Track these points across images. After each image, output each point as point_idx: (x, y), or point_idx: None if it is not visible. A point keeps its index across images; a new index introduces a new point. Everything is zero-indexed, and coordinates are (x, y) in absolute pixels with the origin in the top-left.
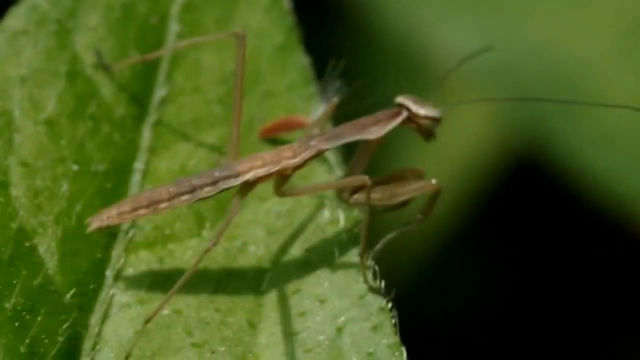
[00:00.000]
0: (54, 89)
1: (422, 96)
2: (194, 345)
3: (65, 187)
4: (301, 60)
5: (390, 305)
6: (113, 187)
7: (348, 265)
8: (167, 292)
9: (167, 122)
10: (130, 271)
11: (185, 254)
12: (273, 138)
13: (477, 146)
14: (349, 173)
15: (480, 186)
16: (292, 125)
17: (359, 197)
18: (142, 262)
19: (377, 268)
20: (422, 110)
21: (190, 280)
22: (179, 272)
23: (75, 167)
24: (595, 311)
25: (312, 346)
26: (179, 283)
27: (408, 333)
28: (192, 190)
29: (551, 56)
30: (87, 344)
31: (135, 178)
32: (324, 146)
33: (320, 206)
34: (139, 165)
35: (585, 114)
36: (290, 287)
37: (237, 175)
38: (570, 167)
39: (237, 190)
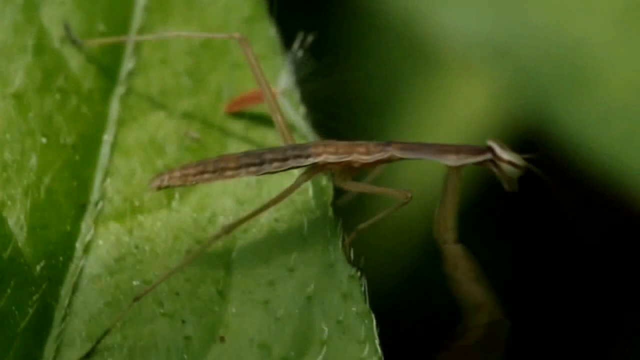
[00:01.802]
0: (21, 62)
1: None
2: (164, 315)
3: (34, 159)
4: (269, 32)
5: (359, 273)
6: (82, 159)
7: (317, 235)
8: (137, 264)
9: (135, 94)
10: (99, 243)
11: (154, 226)
12: (241, 112)
13: (480, 126)
14: (439, 210)
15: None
16: (261, 98)
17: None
18: (112, 234)
19: (346, 237)
20: (505, 155)
21: (160, 251)
22: (148, 243)
23: (43, 140)
24: (597, 288)
25: (282, 315)
26: (175, 268)
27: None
28: (261, 163)
29: (552, 37)
30: (57, 316)
31: (105, 150)
32: (397, 154)
33: (288, 176)
34: (108, 137)
35: (587, 93)
36: (260, 257)
37: (308, 156)
38: (572, 145)
39: (304, 171)
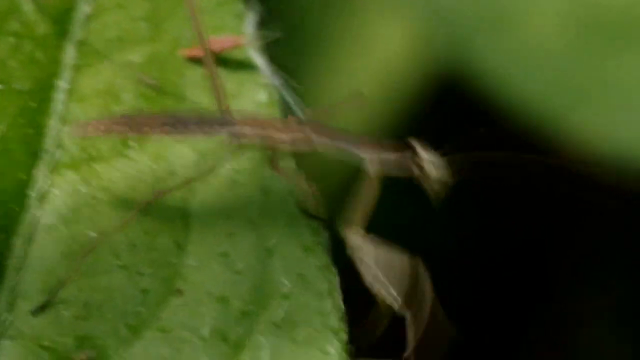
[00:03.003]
0: None
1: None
2: (121, 267)
3: None
4: None
5: (322, 227)
6: (37, 106)
7: (279, 187)
8: (94, 214)
9: (91, 40)
10: (55, 192)
11: (111, 175)
12: (200, 59)
13: (400, 69)
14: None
15: (401, 105)
16: (224, 45)
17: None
18: (68, 183)
19: (310, 189)
20: (425, 155)
21: (118, 202)
22: (105, 193)
23: None
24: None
25: (241, 268)
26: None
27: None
28: (175, 123)
29: None
30: (11, 266)
31: (60, 97)
32: (315, 139)
33: None
34: (63, 83)
35: (508, 34)
36: (219, 209)
37: (223, 124)
38: (493, 86)
39: (225, 141)
